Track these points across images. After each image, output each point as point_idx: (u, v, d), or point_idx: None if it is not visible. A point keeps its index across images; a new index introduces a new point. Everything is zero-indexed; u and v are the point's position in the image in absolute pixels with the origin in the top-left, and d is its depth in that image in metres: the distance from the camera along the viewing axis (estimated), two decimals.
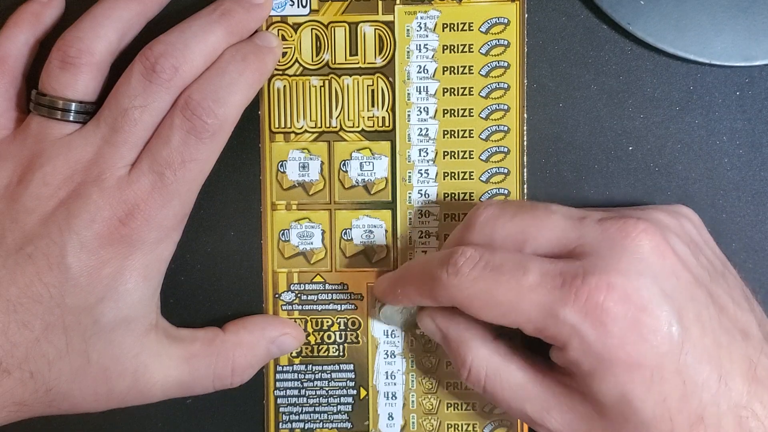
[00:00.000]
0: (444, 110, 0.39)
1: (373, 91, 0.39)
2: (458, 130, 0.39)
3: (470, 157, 0.39)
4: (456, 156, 0.39)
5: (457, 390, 0.40)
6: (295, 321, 0.40)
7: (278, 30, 0.39)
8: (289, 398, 0.40)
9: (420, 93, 0.39)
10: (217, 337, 0.38)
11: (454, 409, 0.40)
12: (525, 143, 0.39)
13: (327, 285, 0.40)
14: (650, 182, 0.39)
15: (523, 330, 0.34)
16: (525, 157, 0.39)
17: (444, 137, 0.39)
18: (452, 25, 0.39)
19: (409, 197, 0.40)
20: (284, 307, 0.40)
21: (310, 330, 0.40)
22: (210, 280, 0.40)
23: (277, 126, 0.40)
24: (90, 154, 0.35)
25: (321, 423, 0.40)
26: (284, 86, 0.39)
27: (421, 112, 0.39)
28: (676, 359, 0.32)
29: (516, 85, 0.39)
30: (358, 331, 0.40)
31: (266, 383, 0.40)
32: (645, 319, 0.32)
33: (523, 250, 0.35)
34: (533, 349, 0.36)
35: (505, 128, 0.39)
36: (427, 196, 0.40)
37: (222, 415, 0.41)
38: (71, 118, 0.36)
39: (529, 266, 0.33)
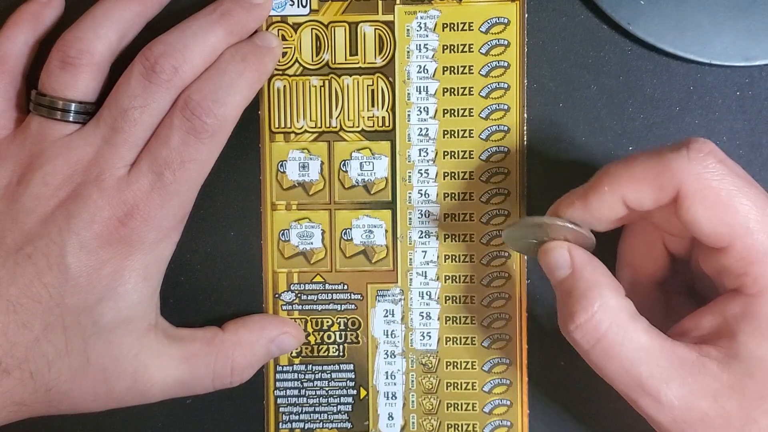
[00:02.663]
0: (444, 110, 0.39)
1: (373, 91, 0.39)
2: (458, 130, 0.39)
3: (470, 157, 0.39)
4: (456, 156, 0.39)
5: (457, 390, 0.40)
6: (295, 321, 0.40)
7: (278, 30, 0.39)
8: (289, 398, 0.40)
9: (420, 93, 0.39)
10: (216, 337, 0.38)
11: (454, 409, 0.40)
12: (525, 143, 0.39)
13: (327, 285, 0.40)
14: None
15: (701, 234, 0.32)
16: (525, 158, 0.39)
17: (444, 137, 0.39)
18: (452, 25, 0.39)
19: (409, 197, 0.40)
20: (284, 307, 0.40)
21: (310, 330, 0.40)
22: (210, 280, 0.40)
23: (277, 126, 0.40)
24: (90, 154, 0.35)
25: (321, 423, 0.40)
26: (284, 86, 0.39)
27: (421, 112, 0.39)
28: None
29: (516, 85, 0.39)
30: (358, 331, 0.40)
31: (266, 383, 0.40)
32: None
33: None
34: None
35: (505, 128, 0.39)
36: (427, 196, 0.40)
37: (222, 415, 0.41)
38: (71, 119, 0.36)
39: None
